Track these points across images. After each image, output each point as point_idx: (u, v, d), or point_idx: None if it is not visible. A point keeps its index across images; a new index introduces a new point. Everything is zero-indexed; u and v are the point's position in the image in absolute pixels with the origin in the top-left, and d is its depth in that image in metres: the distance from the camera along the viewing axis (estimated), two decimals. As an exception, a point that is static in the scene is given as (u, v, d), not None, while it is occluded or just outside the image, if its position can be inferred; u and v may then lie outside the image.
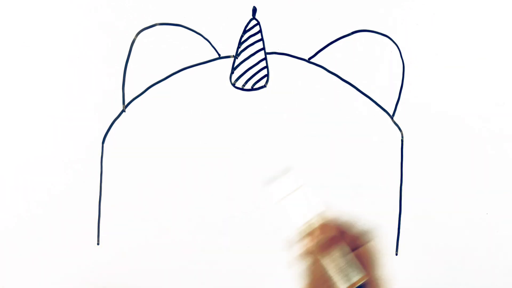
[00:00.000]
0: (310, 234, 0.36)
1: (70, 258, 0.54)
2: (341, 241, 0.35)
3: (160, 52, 0.55)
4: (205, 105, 0.55)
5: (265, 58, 0.55)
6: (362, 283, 0.34)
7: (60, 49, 0.54)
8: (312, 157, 0.56)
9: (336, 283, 0.34)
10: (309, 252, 0.35)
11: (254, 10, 0.55)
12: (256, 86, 0.55)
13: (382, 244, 0.35)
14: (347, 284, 0.34)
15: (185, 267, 0.55)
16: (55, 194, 0.54)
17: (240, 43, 0.55)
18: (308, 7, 0.56)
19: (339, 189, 0.56)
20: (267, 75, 0.55)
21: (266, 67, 0.55)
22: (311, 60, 0.56)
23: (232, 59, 0.55)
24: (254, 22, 0.55)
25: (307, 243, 0.35)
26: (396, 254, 0.56)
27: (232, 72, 0.55)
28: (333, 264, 0.34)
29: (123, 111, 0.55)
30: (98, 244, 0.54)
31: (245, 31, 0.55)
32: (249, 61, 0.55)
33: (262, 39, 0.55)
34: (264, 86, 0.55)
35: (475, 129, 0.57)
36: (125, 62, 0.55)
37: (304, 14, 0.56)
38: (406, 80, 0.56)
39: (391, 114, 0.56)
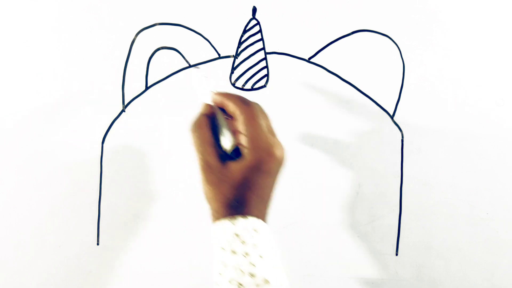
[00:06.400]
0: (204, 106, 0.47)
1: (70, 258, 0.54)
2: (224, 111, 0.46)
3: (160, 52, 0.55)
4: (205, 105, 0.55)
5: (265, 58, 0.55)
6: (238, 149, 0.43)
7: (60, 48, 0.54)
8: (312, 157, 0.56)
9: (216, 139, 0.44)
10: (199, 119, 0.46)
11: (254, 10, 0.55)
12: (256, 86, 0.55)
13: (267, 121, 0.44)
14: (224, 146, 0.44)
15: (186, 267, 0.55)
16: (54, 194, 0.54)
17: (240, 43, 0.55)
18: (308, 7, 0.56)
19: (339, 188, 0.56)
20: (267, 75, 0.55)
21: (266, 67, 0.55)
22: (311, 60, 0.56)
23: (232, 59, 0.55)
24: (254, 22, 0.55)
25: (202, 110, 0.46)
26: (396, 254, 0.56)
27: (232, 72, 0.55)
28: (218, 126, 0.45)
29: (123, 111, 0.55)
30: (98, 244, 0.54)
31: (245, 31, 0.55)
32: (249, 61, 0.55)
33: (262, 39, 0.55)
34: (264, 86, 0.55)
35: (475, 129, 0.57)
36: (125, 62, 0.55)
37: (304, 14, 0.56)
38: (406, 80, 0.56)
39: (391, 114, 0.56)
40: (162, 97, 0.55)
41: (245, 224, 0.43)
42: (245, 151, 0.43)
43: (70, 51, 0.54)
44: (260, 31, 0.55)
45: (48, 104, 0.54)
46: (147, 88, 0.55)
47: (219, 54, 0.55)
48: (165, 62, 0.55)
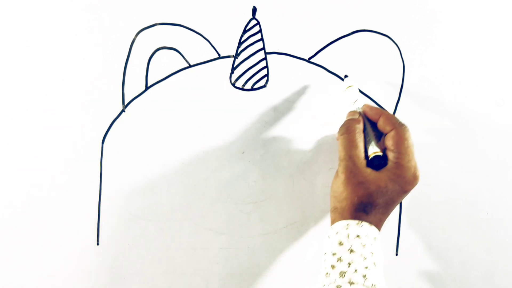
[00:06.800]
0: (353, 113, 0.51)
1: (70, 258, 0.54)
2: (372, 121, 0.50)
3: (160, 52, 0.55)
4: (205, 104, 0.55)
5: (265, 58, 0.55)
6: (382, 159, 0.47)
7: (60, 49, 0.54)
8: (313, 157, 0.56)
9: (363, 147, 0.48)
10: (350, 123, 0.49)
11: (254, 10, 0.55)
12: (256, 86, 0.55)
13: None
14: (369, 151, 0.48)
15: (186, 267, 0.55)
16: (54, 194, 0.54)
17: (240, 43, 0.55)
18: (308, 7, 0.56)
19: (339, 189, 0.56)
20: (267, 75, 0.55)
21: (266, 67, 0.55)
22: (311, 60, 0.56)
23: (232, 59, 0.55)
24: (254, 22, 0.55)
25: (350, 117, 0.51)
26: (396, 254, 0.56)
27: (232, 72, 0.55)
28: (363, 134, 0.49)
29: (123, 111, 0.55)
30: (98, 244, 0.54)
31: (245, 31, 0.55)
32: (249, 61, 0.55)
33: (262, 39, 0.55)
34: (264, 86, 0.55)
35: (475, 129, 0.57)
36: (125, 62, 0.55)
37: (304, 14, 0.56)
38: (406, 80, 0.56)
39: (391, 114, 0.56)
40: (162, 97, 0.55)
41: (368, 230, 0.45)
42: (390, 165, 0.46)
43: (70, 51, 0.54)
44: (260, 31, 0.55)
45: (48, 104, 0.54)
46: (147, 88, 0.55)
47: (219, 54, 0.55)
48: (165, 62, 0.55)
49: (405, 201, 0.56)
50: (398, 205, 0.56)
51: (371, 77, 0.56)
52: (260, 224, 0.55)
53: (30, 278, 0.54)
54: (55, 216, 0.54)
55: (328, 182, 0.56)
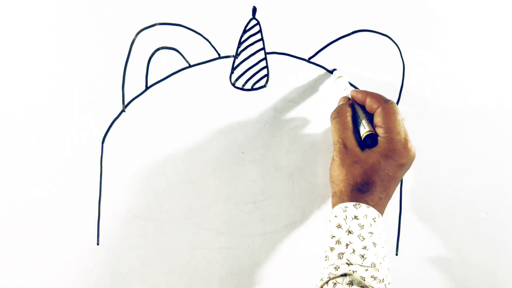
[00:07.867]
0: (343, 99, 0.53)
1: (70, 258, 0.54)
2: (361, 103, 0.51)
3: (160, 52, 0.55)
4: (205, 104, 0.55)
5: (265, 58, 0.55)
6: (373, 137, 0.48)
7: (59, 48, 0.54)
8: (313, 157, 0.56)
9: (354, 128, 0.50)
10: (341, 108, 0.51)
11: (254, 10, 0.55)
12: (256, 86, 0.55)
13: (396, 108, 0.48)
14: (361, 131, 0.49)
15: (186, 267, 0.55)
16: (54, 194, 0.54)
17: (240, 43, 0.55)
18: (308, 7, 0.56)
19: (339, 189, 0.56)
20: (267, 75, 0.55)
21: (266, 67, 0.55)
22: (311, 60, 0.56)
23: (232, 59, 0.55)
24: (254, 22, 0.55)
25: (341, 102, 0.53)
26: (396, 254, 0.56)
27: (232, 72, 0.55)
28: (355, 115, 0.51)
29: (123, 111, 0.55)
30: (98, 244, 0.54)
31: (245, 31, 0.55)
32: (249, 61, 0.55)
33: (262, 39, 0.55)
34: (264, 86, 0.55)
35: (475, 129, 0.57)
36: (125, 62, 0.55)
37: (304, 14, 0.56)
38: (406, 80, 0.56)
39: (391, 114, 0.56)
40: (162, 97, 0.55)
41: (366, 211, 0.46)
42: (381, 140, 0.47)
43: (70, 51, 0.54)
44: (260, 31, 0.55)
45: (48, 104, 0.54)
46: (147, 88, 0.55)
47: (219, 54, 0.55)
48: (165, 62, 0.55)
49: (405, 201, 0.56)
50: (398, 205, 0.56)
51: (371, 77, 0.56)
52: (260, 224, 0.55)
53: (30, 278, 0.54)
54: (55, 216, 0.54)
55: (328, 182, 0.56)
